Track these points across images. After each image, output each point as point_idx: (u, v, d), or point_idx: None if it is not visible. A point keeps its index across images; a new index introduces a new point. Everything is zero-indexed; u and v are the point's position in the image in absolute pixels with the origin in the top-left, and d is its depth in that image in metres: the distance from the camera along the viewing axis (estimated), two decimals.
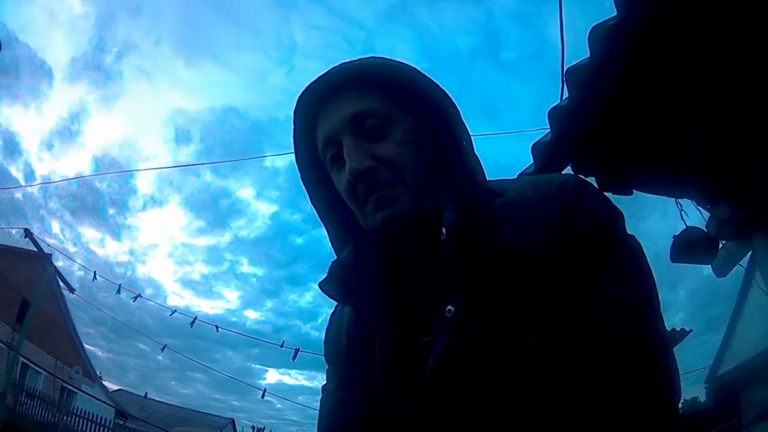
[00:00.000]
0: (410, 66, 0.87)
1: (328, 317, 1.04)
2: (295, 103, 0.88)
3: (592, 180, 2.75)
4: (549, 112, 2.48)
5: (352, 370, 0.89)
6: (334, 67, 0.86)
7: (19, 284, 16.92)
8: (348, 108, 0.83)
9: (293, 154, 0.92)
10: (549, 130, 2.54)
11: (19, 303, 16.96)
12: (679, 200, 3.21)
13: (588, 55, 2.16)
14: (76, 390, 18.69)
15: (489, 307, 0.74)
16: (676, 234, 3.16)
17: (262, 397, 9.49)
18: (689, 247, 3.17)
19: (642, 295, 0.76)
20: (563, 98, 2.56)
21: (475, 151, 0.90)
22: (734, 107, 2.44)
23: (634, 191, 2.83)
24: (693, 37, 2.08)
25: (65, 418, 15.74)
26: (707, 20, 2.00)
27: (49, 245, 15.43)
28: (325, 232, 0.97)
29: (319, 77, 0.86)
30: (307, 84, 0.86)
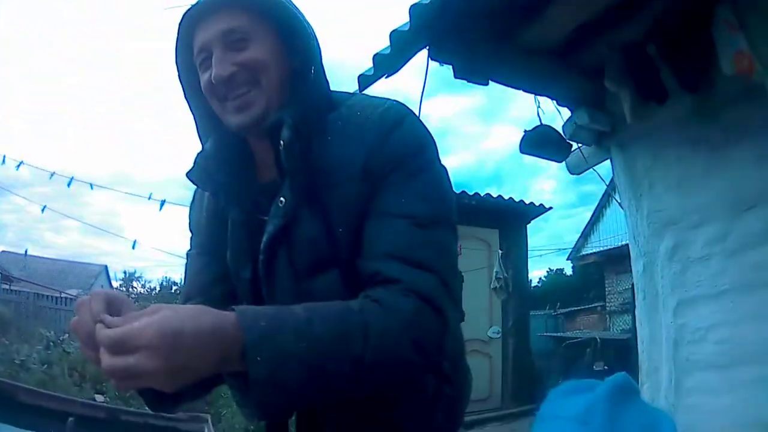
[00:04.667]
0: None
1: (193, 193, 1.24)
2: (180, 19, 1.05)
3: (449, 67, 2.72)
4: (410, 9, 2.31)
5: (211, 242, 1.13)
6: None
7: None
8: (221, 24, 0.99)
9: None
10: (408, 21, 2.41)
11: None
12: (538, 97, 3.25)
13: None
14: None
15: (310, 204, 0.95)
16: (528, 129, 3.22)
17: (133, 248, 10.27)
18: (540, 143, 3.25)
19: (431, 214, 0.92)
20: None
21: (325, 71, 1.06)
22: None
23: (491, 82, 2.82)
24: None
25: None
26: None
27: None
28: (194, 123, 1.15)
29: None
30: (191, 5, 1.02)
